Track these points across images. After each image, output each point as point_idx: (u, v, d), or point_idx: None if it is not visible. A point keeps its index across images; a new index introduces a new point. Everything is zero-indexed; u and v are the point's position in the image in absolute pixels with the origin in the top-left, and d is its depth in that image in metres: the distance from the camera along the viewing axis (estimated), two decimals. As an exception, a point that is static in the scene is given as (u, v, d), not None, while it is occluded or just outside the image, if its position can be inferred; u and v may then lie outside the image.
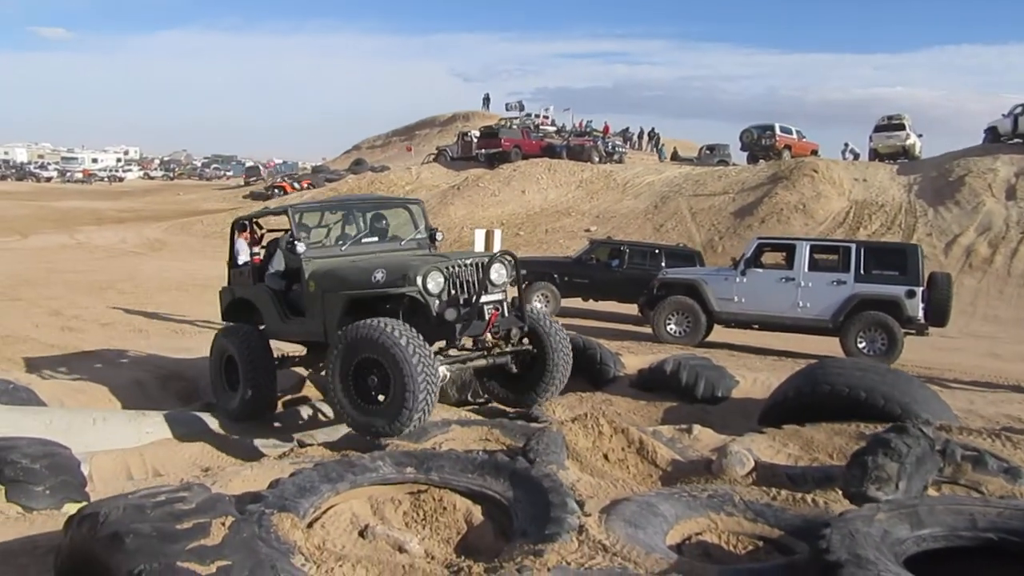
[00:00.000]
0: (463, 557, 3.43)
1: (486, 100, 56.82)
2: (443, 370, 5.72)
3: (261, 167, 61.54)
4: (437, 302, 5.84)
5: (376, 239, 7.10)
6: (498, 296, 6.14)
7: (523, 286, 6.30)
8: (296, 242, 6.52)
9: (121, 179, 64.54)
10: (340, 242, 6.98)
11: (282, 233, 7.46)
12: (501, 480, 3.87)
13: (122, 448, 6.17)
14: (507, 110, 50.89)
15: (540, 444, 4.76)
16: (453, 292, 5.93)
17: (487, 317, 5.95)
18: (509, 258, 6.26)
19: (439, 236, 7.36)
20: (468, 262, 6.08)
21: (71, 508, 3.74)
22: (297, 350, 7.55)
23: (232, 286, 7.73)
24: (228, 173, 67.84)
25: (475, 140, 37.43)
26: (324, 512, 3.65)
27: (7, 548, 3.33)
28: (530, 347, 6.32)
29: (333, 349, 5.77)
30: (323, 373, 7.37)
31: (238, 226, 7.62)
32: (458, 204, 30.68)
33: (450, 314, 5.75)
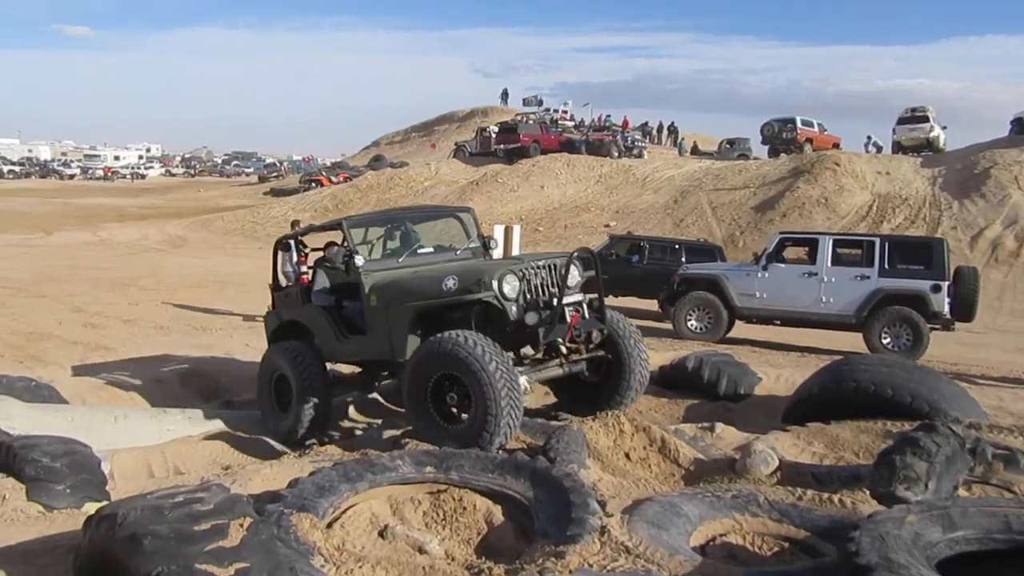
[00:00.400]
0: (483, 558, 3.39)
1: (505, 95, 56.78)
2: (523, 381, 5.39)
3: (279, 163, 61.88)
4: (514, 307, 5.50)
5: (431, 250, 6.83)
6: (577, 297, 5.78)
7: (602, 285, 5.87)
8: (355, 255, 6.22)
9: (143, 176, 65.08)
10: (395, 253, 6.68)
11: (323, 251, 7.33)
12: (521, 480, 3.83)
13: (143, 446, 6.18)
14: (524, 105, 50.71)
15: (561, 443, 4.72)
16: (529, 296, 5.61)
17: (568, 319, 5.58)
18: (585, 256, 5.91)
19: (493, 244, 7.15)
20: (541, 263, 5.75)
21: (91, 507, 3.73)
22: (351, 370, 7.31)
23: (278, 310, 7.37)
24: (248, 170, 68.19)
25: (494, 135, 37.33)
26: (343, 512, 3.63)
27: (28, 548, 3.33)
28: (606, 353, 5.95)
29: (406, 367, 5.52)
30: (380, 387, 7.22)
31: (281, 246, 7.30)
32: (477, 200, 30.65)
33: (531, 318, 5.43)
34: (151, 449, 6.13)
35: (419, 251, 6.72)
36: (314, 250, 7.44)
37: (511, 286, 5.49)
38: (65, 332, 11.04)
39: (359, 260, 6.17)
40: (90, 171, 63.80)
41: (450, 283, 5.63)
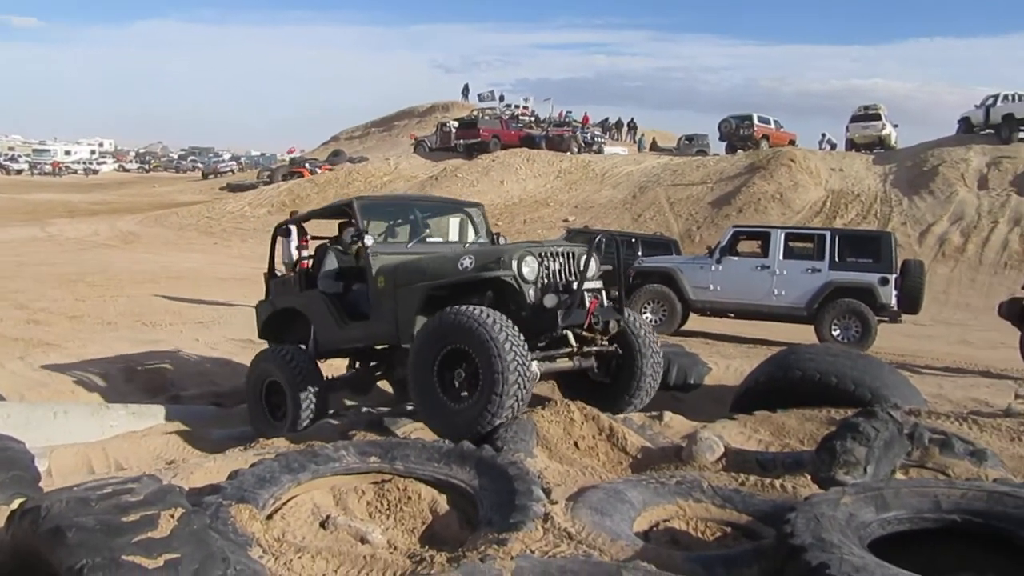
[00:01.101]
0: (427, 547, 3.36)
1: (465, 90, 56.60)
2: (535, 367, 5.17)
3: (238, 159, 61.04)
4: (532, 289, 5.30)
5: (440, 239, 6.71)
6: (597, 284, 5.60)
7: (623, 275, 5.69)
8: (364, 234, 6.04)
9: (96, 171, 63.64)
10: (404, 239, 6.54)
11: (328, 239, 7.12)
12: (467, 468, 3.81)
13: (84, 442, 6.03)
14: (480, 101, 50.70)
15: (509, 431, 4.71)
16: (547, 280, 5.43)
17: (587, 305, 5.36)
18: (608, 243, 5.80)
19: (503, 241, 6.88)
20: (560, 249, 5.59)
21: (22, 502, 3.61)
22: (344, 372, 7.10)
23: (272, 298, 7.15)
24: (200, 166, 67.09)
25: (454, 130, 37.23)
26: (285, 503, 3.57)
27: (-47, 544, 3.20)
28: (617, 349, 5.68)
29: (415, 340, 5.33)
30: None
31: (281, 231, 7.13)
32: (437, 194, 30.56)
33: (550, 300, 5.21)
34: (92, 445, 5.98)
35: (428, 239, 6.60)
36: (314, 238, 7.24)
37: (530, 267, 5.32)
38: (6, 329, 10.72)
39: (368, 240, 6.03)
40: (38, 167, 62.18)
41: (466, 262, 5.48)
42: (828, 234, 11.96)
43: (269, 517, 3.41)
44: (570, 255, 5.55)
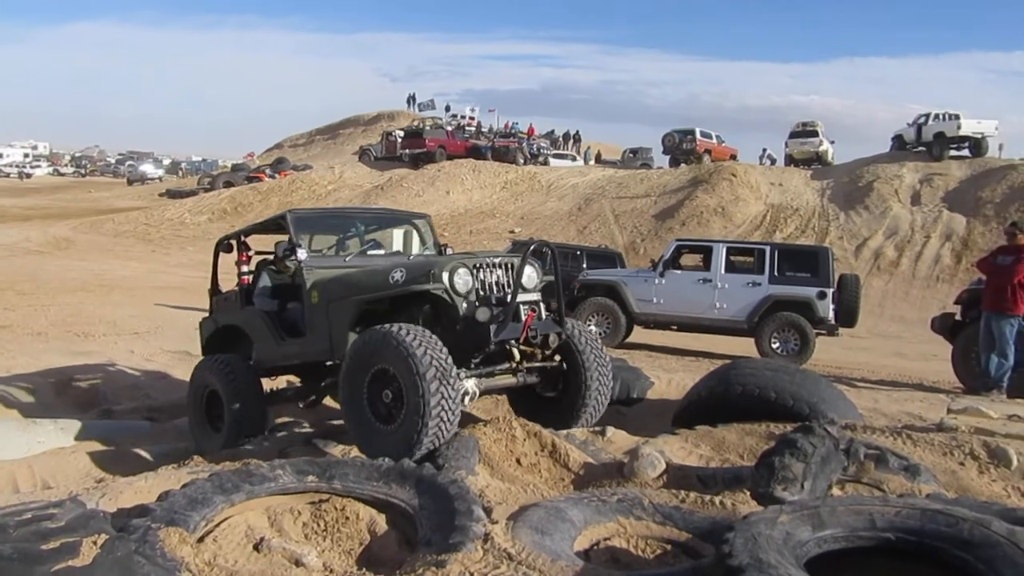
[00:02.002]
0: (364, 569, 3.30)
1: (411, 100, 56.39)
2: (471, 385, 5.00)
3: (180, 164, 59.70)
4: (465, 303, 5.12)
5: (382, 251, 6.48)
6: (533, 296, 5.40)
7: (561, 286, 5.47)
8: (297, 247, 5.82)
9: (29, 175, 61.64)
10: (343, 253, 6.32)
11: (271, 254, 6.75)
12: (407, 487, 3.75)
13: (10, 459, 5.79)
14: (420, 110, 50.71)
15: (450, 449, 4.65)
16: (482, 292, 5.25)
17: (523, 318, 5.18)
18: (542, 256, 5.58)
19: (449, 251, 6.68)
20: (497, 260, 5.41)
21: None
22: (289, 383, 6.93)
23: (215, 315, 6.93)
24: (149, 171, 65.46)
25: (400, 140, 37.07)
26: (217, 525, 3.46)
27: None
28: (560, 363, 5.51)
29: (344, 360, 5.11)
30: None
31: (223, 247, 6.74)
32: (382, 204, 30.31)
33: (482, 314, 5.02)
34: (18, 462, 5.75)
35: (368, 252, 6.37)
36: (259, 253, 6.95)
37: (463, 280, 5.13)
38: (-71, 339, 10.29)
39: (301, 254, 5.80)
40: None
41: (397, 275, 5.25)
42: (768, 248, 12.18)
43: (200, 540, 3.29)
44: (508, 266, 5.41)
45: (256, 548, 3.35)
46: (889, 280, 21.06)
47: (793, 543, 2.73)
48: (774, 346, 11.39)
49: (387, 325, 4.86)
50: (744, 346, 11.60)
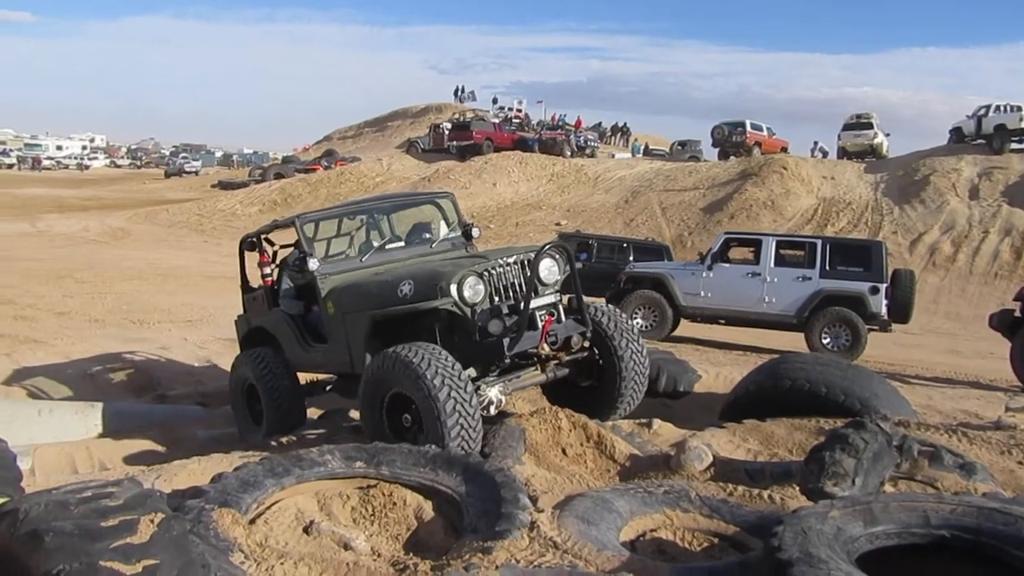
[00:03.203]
0: (411, 554, 3.33)
1: (459, 92, 56.56)
2: (495, 394, 4.84)
3: (230, 155, 60.84)
4: (477, 313, 4.92)
5: (402, 244, 6.14)
6: (550, 298, 5.17)
7: (579, 283, 5.21)
8: (308, 257, 5.58)
9: (87, 167, 63.43)
10: (360, 251, 6.04)
11: (292, 246, 6.58)
12: (453, 474, 3.77)
13: (68, 441, 5.98)
14: (456, 99, 50.96)
15: (497, 438, 4.68)
16: (496, 299, 5.02)
17: (540, 325, 4.95)
18: (559, 251, 5.31)
19: (476, 232, 6.42)
20: (511, 260, 5.15)
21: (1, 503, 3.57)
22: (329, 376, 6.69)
23: (247, 314, 6.79)
24: (197, 162, 66.84)
25: (447, 132, 37.22)
26: (268, 508, 3.53)
27: (-71, 546, 3.15)
28: (594, 354, 5.33)
29: (361, 384, 4.97)
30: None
31: (247, 244, 6.54)
32: (452, 192, 30.51)
33: (494, 326, 4.80)
34: (76, 444, 5.94)
35: (388, 247, 6.03)
36: (284, 246, 6.78)
37: (473, 290, 4.91)
38: (-7, 324, 10.66)
39: (312, 264, 5.54)
40: (26, 161, 61.87)
41: (405, 289, 5.05)
42: (819, 242, 11.96)
43: (252, 522, 3.37)
44: (524, 264, 5.17)
45: (306, 531, 3.41)
46: (945, 276, 20.52)
47: (844, 538, 2.69)
48: (824, 341, 11.19)
49: (398, 348, 4.70)
50: (793, 341, 11.42)
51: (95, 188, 45.39)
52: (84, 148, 74.19)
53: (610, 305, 5.61)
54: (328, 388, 6.47)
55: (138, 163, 71.01)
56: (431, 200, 6.67)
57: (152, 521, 2.55)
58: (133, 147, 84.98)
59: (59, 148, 70.39)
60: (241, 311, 6.98)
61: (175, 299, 13.40)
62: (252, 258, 6.60)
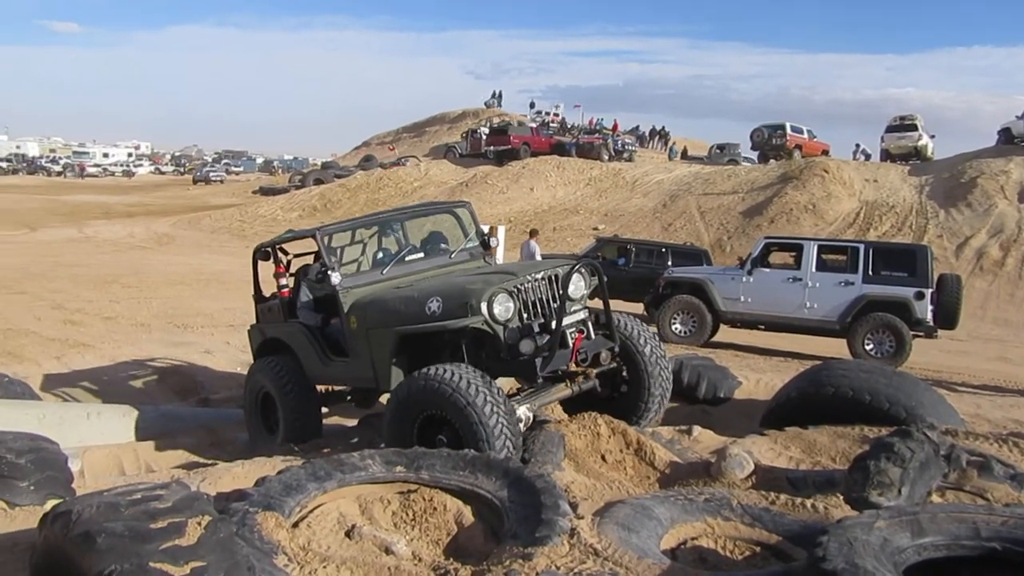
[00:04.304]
0: (451, 559, 3.34)
1: (496, 96, 56.77)
2: (523, 412, 4.77)
3: (272, 162, 61.79)
4: (507, 331, 4.88)
5: (422, 255, 6.07)
6: (580, 315, 5.16)
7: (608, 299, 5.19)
8: (329, 271, 5.49)
9: (133, 174, 64.92)
10: (380, 264, 5.95)
11: (312, 257, 6.59)
12: (493, 479, 3.78)
13: (116, 443, 6.11)
14: (486, 105, 51.19)
15: (536, 444, 4.68)
16: (526, 316, 4.95)
17: (570, 343, 4.92)
18: (588, 267, 5.31)
19: (493, 242, 6.38)
20: (539, 276, 5.09)
21: (54, 504, 3.66)
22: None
23: (261, 324, 6.66)
24: (239, 168, 68.02)
25: (484, 137, 37.34)
26: (311, 511, 3.57)
27: (-14, 545, 3.26)
28: (620, 366, 5.32)
29: (387, 405, 4.92)
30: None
31: (260, 254, 6.40)
32: (469, 201, 30.63)
33: (526, 346, 4.77)
34: (124, 446, 6.07)
35: (407, 258, 5.96)
36: (297, 256, 6.78)
37: (503, 307, 4.87)
38: (43, 329, 10.93)
39: (335, 278, 5.48)
40: (71, 168, 63.46)
41: (433, 306, 4.99)
42: (862, 247, 11.76)
43: (295, 525, 3.41)
44: (552, 280, 5.13)
45: (348, 535, 3.44)
46: (993, 281, 20.03)
47: (891, 549, 2.65)
48: (867, 348, 11.00)
49: (432, 370, 4.63)
50: (835, 347, 11.24)
51: (140, 195, 46.37)
52: (130, 155, 75.98)
53: (634, 317, 5.59)
54: (348, 398, 6.41)
55: (181, 169, 72.43)
56: (449, 210, 6.62)
57: (199, 523, 2.60)
58: (177, 154, 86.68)
59: (105, 155, 72.24)
60: (253, 324, 6.88)
61: (218, 304, 13.62)
62: (265, 268, 6.53)
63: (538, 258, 12.68)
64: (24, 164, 65.81)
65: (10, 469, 4.04)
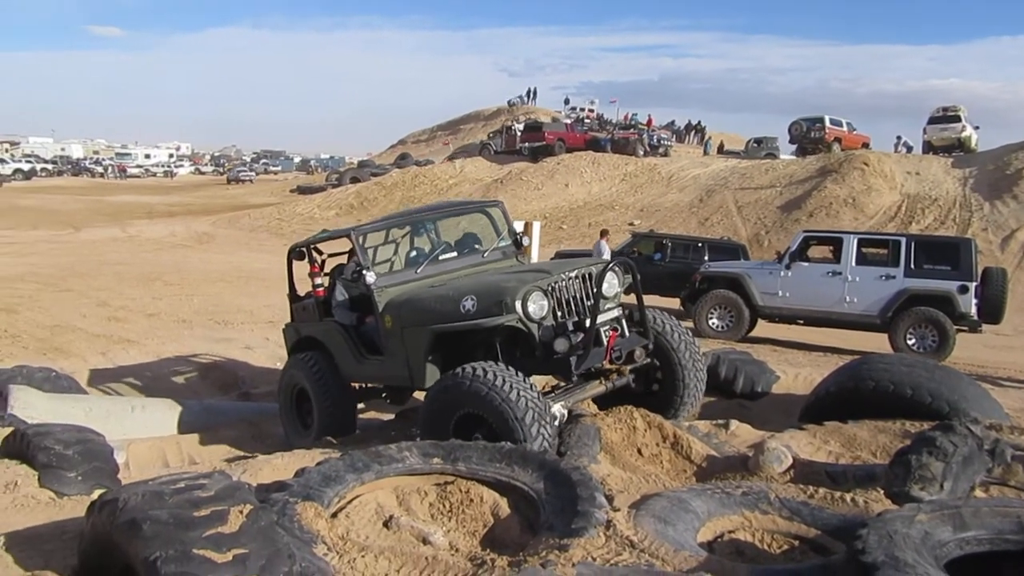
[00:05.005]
0: (488, 550, 3.36)
1: (531, 93, 56.81)
2: (558, 409, 4.80)
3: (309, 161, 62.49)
4: (541, 329, 4.91)
5: (455, 253, 6.13)
6: (614, 313, 5.18)
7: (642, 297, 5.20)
8: (365, 271, 5.56)
9: (174, 174, 66.13)
10: (414, 263, 6.01)
11: (346, 256, 6.67)
12: (529, 471, 3.79)
13: (160, 436, 6.24)
14: (509, 105, 51.22)
15: (573, 436, 4.69)
16: (560, 314, 4.99)
17: (605, 341, 4.95)
18: (622, 265, 5.31)
19: (526, 240, 6.41)
20: (573, 274, 5.13)
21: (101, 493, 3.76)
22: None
23: (296, 323, 6.71)
24: (276, 168, 68.91)
25: (519, 133, 37.35)
26: (349, 502, 3.62)
27: (36, 533, 3.36)
28: (654, 362, 5.34)
29: (423, 403, 4.97)
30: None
31: (295, 254, 6.40)
32: (501, 198, 30.49)
33: (560, 345, 4.80)
34: (167, 439, 6.20)
35: (441, 257, 6.02)
36: (331, 255, 6.85)
37: (538, 305, 4.90)
38: (89, 325, 11.20)
39: (370, 277, 5.55)
40: (110, 169, 64.79)
41: (468, 304, 5.03)
42: (904, 240, 11.56)
43: (334, 515, 3.46)
44: (586, 279, 5.15)
45: (386, 525, 3.48)
46: (1039, 274, 19.56)
47: (932, 543, 2.61)
48: (909, 342, 10.82)
49: (469, 368, 4.68)
50: (875, 342, 11.08)
51: (181, 194, 47.17)
52: (171, 156, 77.40)
53: (667, 313, 5.59)
54: (384, 395, 6.44)
55: (221, 170, 73.59)
56: (481, 209, 6.64)
57: (241, 512, 2.66)
58: (216, 154, 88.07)
59: (147, 156, 73.65)
60: (288, 322, 6.92)
61: (257, 301, 13.81)
62: (300, 267, 6.57)
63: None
64: (69, 166, 67.24)
65: (58, 460, 4.15)
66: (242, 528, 2.59)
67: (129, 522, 2.57)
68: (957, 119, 30.35)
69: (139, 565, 2.46)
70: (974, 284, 10.74)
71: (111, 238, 26.33)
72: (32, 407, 5.98)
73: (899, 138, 36.01)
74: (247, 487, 2.94)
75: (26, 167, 56.13)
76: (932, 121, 30.86)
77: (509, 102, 53.36)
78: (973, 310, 10.71)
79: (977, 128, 31.15)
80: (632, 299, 5.36)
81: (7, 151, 68.11)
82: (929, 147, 30.65)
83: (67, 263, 18.59)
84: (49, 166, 63.62)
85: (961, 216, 22.91)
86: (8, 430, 4.77)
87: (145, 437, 6.18)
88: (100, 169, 65.25)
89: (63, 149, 78.61)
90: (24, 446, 4.28)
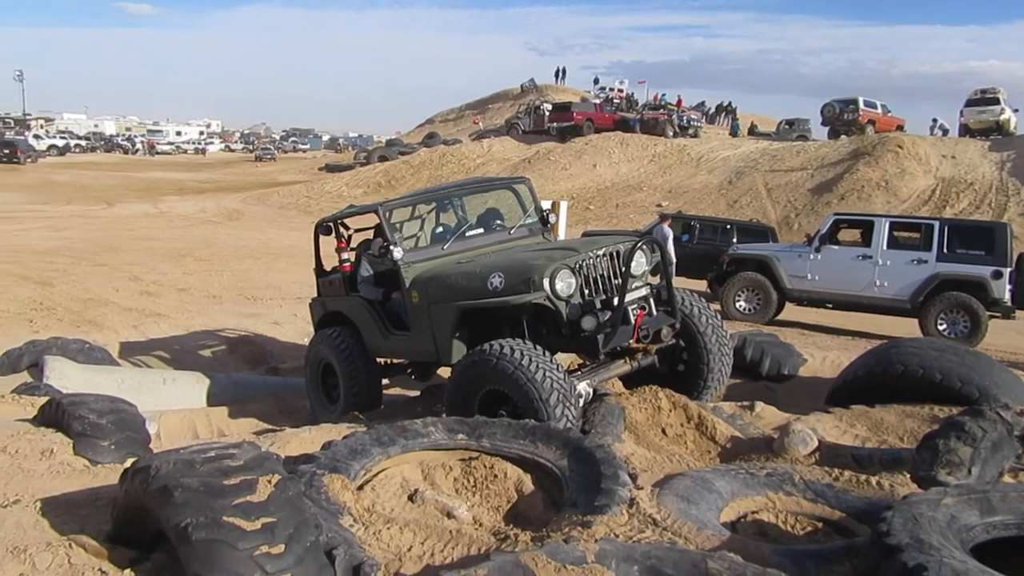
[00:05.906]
0: (511, 525, 3.39)
1: (560, 73, 56.34)
2: (583, 387, 4.81)
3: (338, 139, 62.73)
4: (568, 307, 4.90)
5: (481, 230, 6.10)
6: (642, 292, 5.16)
7: (671, 274, 5.16)
8: (392, 247, 5.56)
9: (204, 151, 66.74)
10: (440, 239, 6.02)
11: (372, 232, 6.65)
12: (553, 448, 3.81)
13: (190, 408, 6.34)
14: (522, 89, 50.88)
15: (597, 415, 4.70)
16: (587, 292, 4.98)
17: (632, 320, 4.92)
18: (649, 243, 5.31)
19: (552, 218, 6.37)
20: (601, 252, 5.08)
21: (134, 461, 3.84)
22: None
23: (323, 297, 6.73)
24: (305, 146, 69.29)
25: (547, 113, 37.17)
26: (375, 475, 3.66)
27: (71, 499, 3.43)
28: (680, 342, 5.33)
29: (448, 380, 4.99)
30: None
31: (322, 228, 6.39)
32: (529, 177, 30.58)
33: (588, 323, 4.79)
34: (197, 411, 6.29)
35: (467, 234, 6.01)
36: (358, 230, 6.84)
37: (565, 283, 4.89)
38: (121, 299, 11.38)
39: (397, 253, 5.56)
40: (135, 146, 65.48)
41: (495, 281, 5.02)
42: (937, 224, 11.38)
43: (360, 488, 3.50)
44: (614, 257, 5.11)
45: (410, 499, 3.52)
46: (1077, 261, 19.16)
47: (958, 527, 2.59)
48: (940, 328, 10.69)
49: (494, 345, 4.70)
50: (906, 327, 10.95)
51: (211, 172, 47.59)
52: (201, 133, 78.07)
53: (694, 294, 5.55)
54: (409, 371, 6.47)
55: (251, 147, 74.13)
56: (508, 186, 6.61)
57: (270, 481, 2.70)
58: (246, 132, 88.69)
59: (178, 134, 74.39)
60: (314, 296, 6.95)
61: (286, 277, 13.95)
62: (327, 242, 6.58)
63: (670, 245, 12.57)
64: (102, 142, 68.05)
65: (92, 429, 4.23)
66: (271, 497, 2.64)
67: (161, 489, 2.62)
68: (996, 101, 29.71)
69: (170, 531, 2.51)
70: (1008, 270, 10.57)
71: (143, 214, 26.66)
72: (67, 377, 6.11)
73: (935, 121, 35.29)
74: (275, 457, 2.98)
75: (60, 143, 56.88)
76: (970, 103, 30.24)
77: (522, 86, 52.81)
78: (1007, 296, 10.55)
79: (1016, 111, 30.48)
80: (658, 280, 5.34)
81: (42, 127, 68.98)
82: (966, 130, 30.06)
83: (100, 238, 18.87)
84: (83, 142, 64.42)
85: (997, 201, 22.51)
86: (44, 399, 4.88)
87: (176, 409, 6.29)
88: (129, 145, 65.98)
89: (96, 126, 79.53)
90: (59, 415, 4.37)
